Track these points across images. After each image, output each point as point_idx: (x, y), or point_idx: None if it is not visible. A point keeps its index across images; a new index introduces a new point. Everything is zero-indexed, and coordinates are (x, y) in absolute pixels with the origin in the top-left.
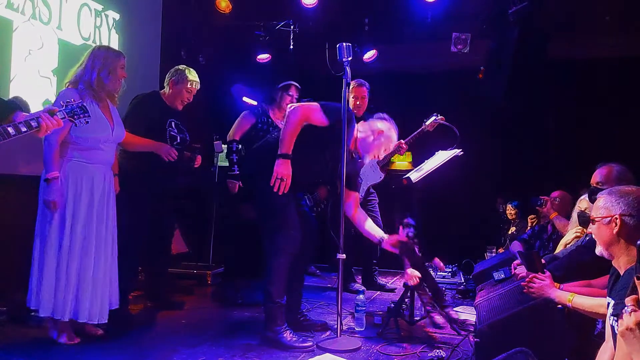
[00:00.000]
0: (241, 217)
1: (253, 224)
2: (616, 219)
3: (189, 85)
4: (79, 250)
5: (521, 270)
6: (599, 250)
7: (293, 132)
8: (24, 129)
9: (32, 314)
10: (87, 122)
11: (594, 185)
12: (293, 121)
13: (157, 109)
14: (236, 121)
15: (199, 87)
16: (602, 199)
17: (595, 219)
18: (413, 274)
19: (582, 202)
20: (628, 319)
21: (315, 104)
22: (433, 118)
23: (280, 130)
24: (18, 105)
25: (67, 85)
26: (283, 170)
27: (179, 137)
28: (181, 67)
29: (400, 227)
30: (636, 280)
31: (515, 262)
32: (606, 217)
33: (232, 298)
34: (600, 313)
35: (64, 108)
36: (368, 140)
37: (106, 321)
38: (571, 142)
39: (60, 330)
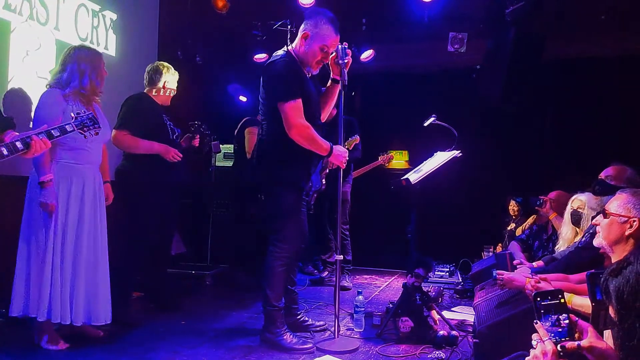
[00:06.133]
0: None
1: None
2: (634, 221)
3: (176, 79)
4: (72, 251)
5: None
6: (598, 242)
7: (314, 135)
8: (20, 147)
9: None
10: (97, 133)
11: (603, 177)
12: (307, 131)
13: (153, 108)
14: None
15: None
16: (624, 198)
17: (611, 214)
18: (405, 324)
19: (575, 202)
20: (537, 350)
21: (283, 105)
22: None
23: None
24: (14, 123)
25: (48, 87)
26: (340, 158)
27: (177, 130)
28: (162, 64)
29: (409, 276)
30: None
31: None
32: (623, 217)
33: (245, 282)
34: None
35: (73, 120)
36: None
37: (108, 322)
38: (568, 142)
39: (49, 335)
